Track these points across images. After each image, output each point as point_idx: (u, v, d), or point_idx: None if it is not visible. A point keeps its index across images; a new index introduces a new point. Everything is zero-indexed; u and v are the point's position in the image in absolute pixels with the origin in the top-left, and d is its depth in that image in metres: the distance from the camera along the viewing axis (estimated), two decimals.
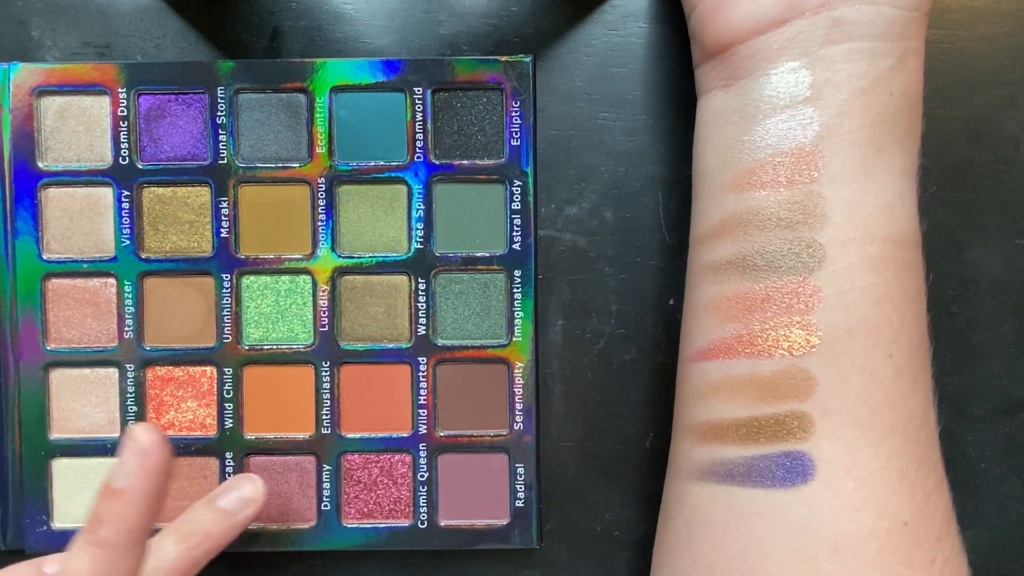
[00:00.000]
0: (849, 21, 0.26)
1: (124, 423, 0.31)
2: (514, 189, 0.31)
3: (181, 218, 0.32)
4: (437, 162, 0.31)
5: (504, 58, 0.31)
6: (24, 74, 0.31)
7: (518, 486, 0.31)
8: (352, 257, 0.31)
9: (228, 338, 0.31)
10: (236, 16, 0.32)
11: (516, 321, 0.31)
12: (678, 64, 0.32)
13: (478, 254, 0.31)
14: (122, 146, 0.31)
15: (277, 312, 0.32)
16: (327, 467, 0.31)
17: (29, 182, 0.31)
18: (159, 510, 0.27)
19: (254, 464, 0.32)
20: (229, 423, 0.32)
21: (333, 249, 0.31)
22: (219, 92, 0.31)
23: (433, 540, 0.32)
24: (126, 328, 0.31)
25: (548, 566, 0.33)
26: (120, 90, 0.31)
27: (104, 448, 0.32)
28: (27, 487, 0.31)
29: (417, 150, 0.31)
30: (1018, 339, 0.33)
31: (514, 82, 0.31)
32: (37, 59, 0.32)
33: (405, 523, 0.32)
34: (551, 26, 0.32)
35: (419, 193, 0.31)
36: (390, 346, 0.32)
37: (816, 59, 0.26)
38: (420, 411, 0.31)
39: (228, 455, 0.32)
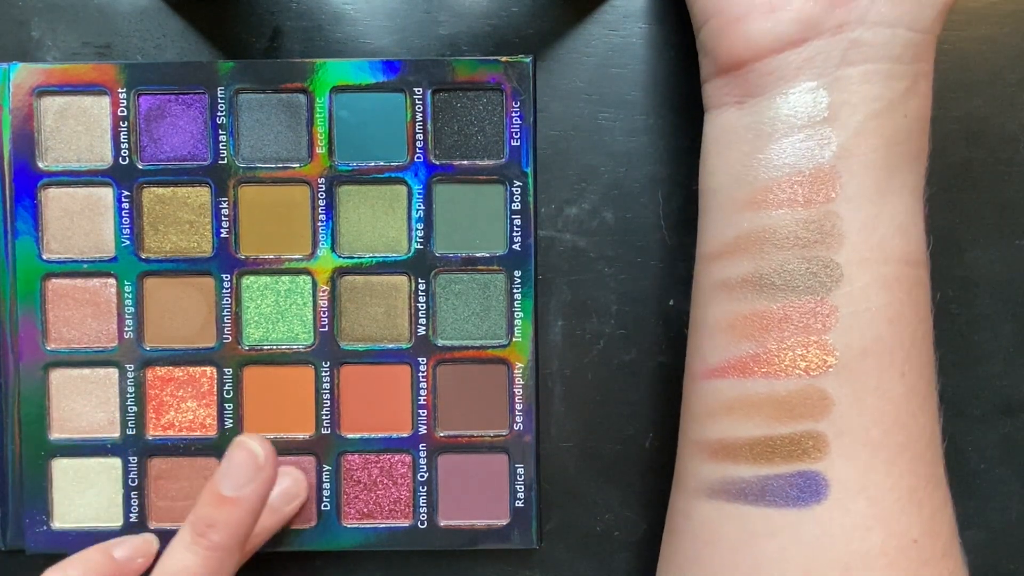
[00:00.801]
0: (866, 43, 0.25)
1: (124, 423, 0.31)
2: (514, 189, 0.31)
3: (181, 218, 0.32)
4: (437, 162, 0.31)
5: (504, 58, 0.31)
6: (24, 74, 0.31)
7: (518, 486, 0.31)
8: (352, 257, 0.31)
9: (228, 338, 0.31)
10: (236, 16, 0.32)
11: (516, 321, 0.31)
12: (678, 65, 0.32)
13: (478, 254, 0.31)
14: (122, 146, 0.31)
15: (277, 312, 0.32)
16: (327, 467, 0.31)
17: (29, 182, 0.31)
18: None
19: None
20: (229, 423, 0.32)
21: (333, 249, 0.31)
22: (219, 92, 0.31)
23: (433, 540, 0.32)
24: (126, 328, 0.31)
25: (548, 566, 0.33)
26: (120, 90, 0.31)
27: (104, 448, 0.32)
28: (27, 487, 0.31)
29: (417, 150, 0.31)
30: (1018, 339, 0.33)
31: (514, 82, 0.31)
32: (37, 59, 0.32)
33: (405, 523, 0.32)
34: (551, 26, 0.32)
35: (419, 193, 0.31)
36: (390, 346, 0.32)
37: (834, 80, 0.26)
38: (420, 411, 0.31)
39: None
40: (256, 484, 0.28)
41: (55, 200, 0.31)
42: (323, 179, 0.31)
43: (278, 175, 0.31)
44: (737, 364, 0.27)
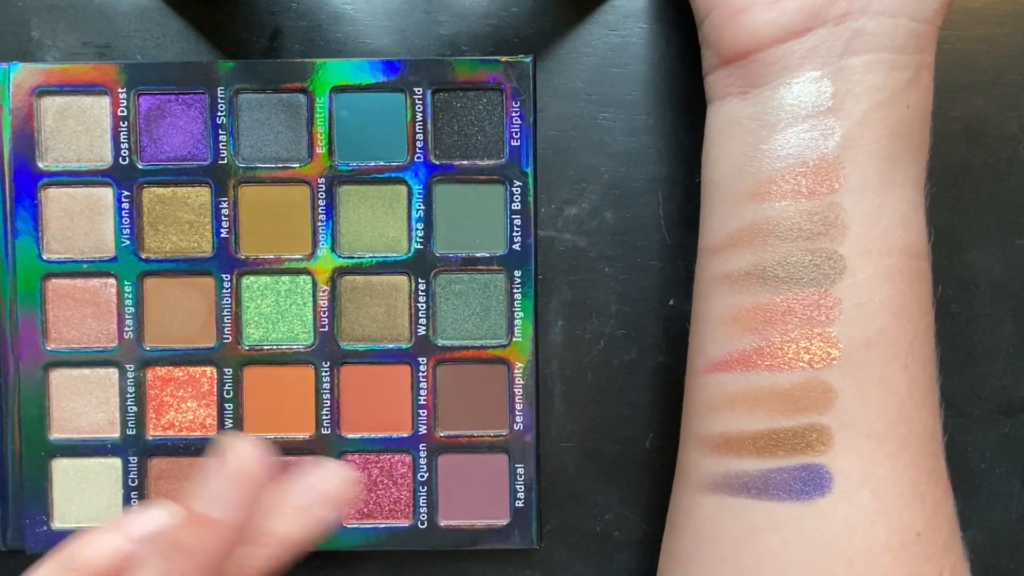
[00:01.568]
0: (869, 32, 0.25)
1: (124, 423, 0.31)
2: (514, 189, 0.31)
3: (181, 218, 0.32)
4: (437, 162, 0.31)
5: (504, 58, 0.31)
6: (24, 74, 0.31)
7: (518, 486, 0.31)
8: (352, 257, 0.31)
9: (228, 338, 0.31)
10: (236, 16, 0.32)
11: (516, 321, 0.31)
12: (678, 64, 0.32)
13: (478, 254, 0.31)
14: (122, 146, 0.31)
15: (277, 312, 0.32)
16: None
17: (29, 182, 0.31)
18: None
19: None
20: (229, 423, 0.32)
21: (333, 249, 0.31)
22: (219, 92, 0.31)
23: (433, 540, 0.32)
24: (126, 328, 0.31)
25: (548, 566, 0.33)
26: (120, 90, 0.31)
27: (104, 448, 0.32)
28: (27, 487, 0.31)
29: (417, 150, 0.31)
30: (1018, 339, 0.33)
31: (514, 82, 0.31)
32: (37, 59, 0.32)
33: (405, 523, 0.32)
34: (551, 26, 0.32)
35: (419, 193, 0.31)
36: (390, 346, 0.32)
37: (837, 69, 0.26)
38: (420, 411, 0.31)
39: None
40: (240, 501, 0.21)
41: (55, 200, 0.31)
42: (323, 179, 0.31)
43: (278, 175, 0.31)
44: (740, 357, 0.27)
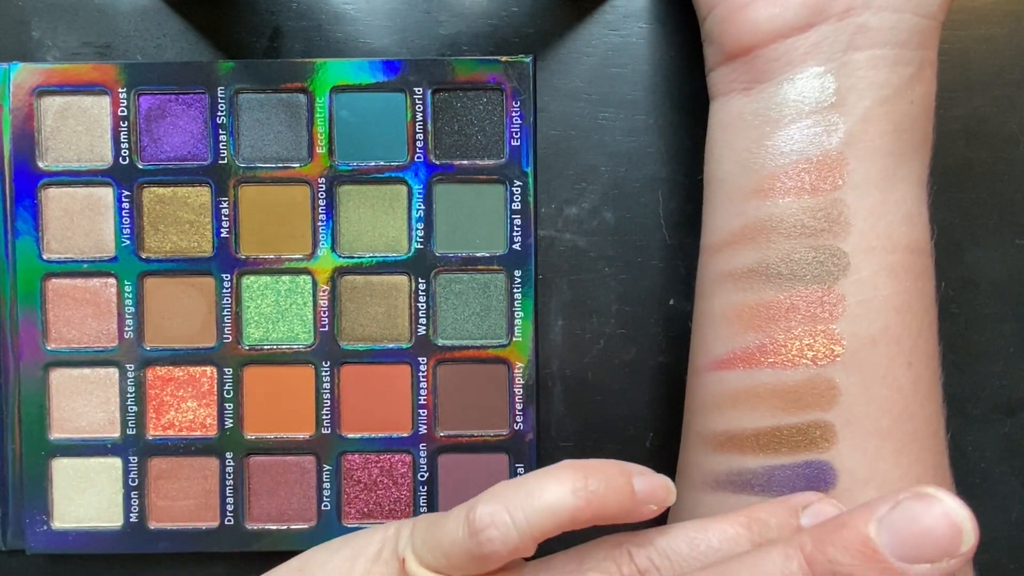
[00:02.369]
0: (873, 28, 0.26)
1: (124, 423, 0.31)
2: (514, 189, 0.31)
3: (181, 218, 0.32)
4: (437, 162, 0.31)
5: (504, 58, 0.31)
6: (24, 74, 0.31)
7: None
8: (352, 257, 0.31)
9: (228, 338, 0.31)
10: (236, 16, 0.32)
11: (516, 321, 0.31)
12: (678, 64, 0.32)
13: (478, 254, 0.31)
14: (122, 146, 0.31)
15: (277, 312, 0.32)
16: (327, 467, 0.31)
17: (29, 182, 0.31)
18: None
19: (254, 464, 0.32)
20: (229, 423, 0.32)
21: (333, 249, 0.31)
22: (219, 92, 0.31)
23: None
24: (126, 328, 0.31)
25: None
26: (120, 90, 0.31)
27: (104, 448, 0.31)
28: (27, 487, 0.31)
29: (417, 150, 0.31)
30: (1018, 339, 0.33)
31: (514, 82, 0.31)
32: (37, 59, 0.32)
33: None
34: (551, 26, 0.32)
35: (419, 193, 0.31)
36: (390, 346, 0.32)
37: (841, 65, 0.26)
38: (420, 411, 0.31)
39: (228, 455, 0.32)
40: (931, 570, 0.19)
41: (55, 200, 0.31)
42: (323, 179, 0.31)
43: (278, 175, 0.31)
44: (743, 355, 0.27)
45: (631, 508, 0.23)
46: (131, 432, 0.31)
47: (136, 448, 0.31)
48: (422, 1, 0.32)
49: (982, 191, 0.33)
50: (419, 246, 0.31)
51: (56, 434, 0.32)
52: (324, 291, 0.31)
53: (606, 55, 0.32)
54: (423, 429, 0.31)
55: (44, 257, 0.31)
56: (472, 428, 0.32)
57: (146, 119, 0.31)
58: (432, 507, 0.32)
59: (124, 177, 0.31)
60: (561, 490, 0.22)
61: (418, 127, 0.31)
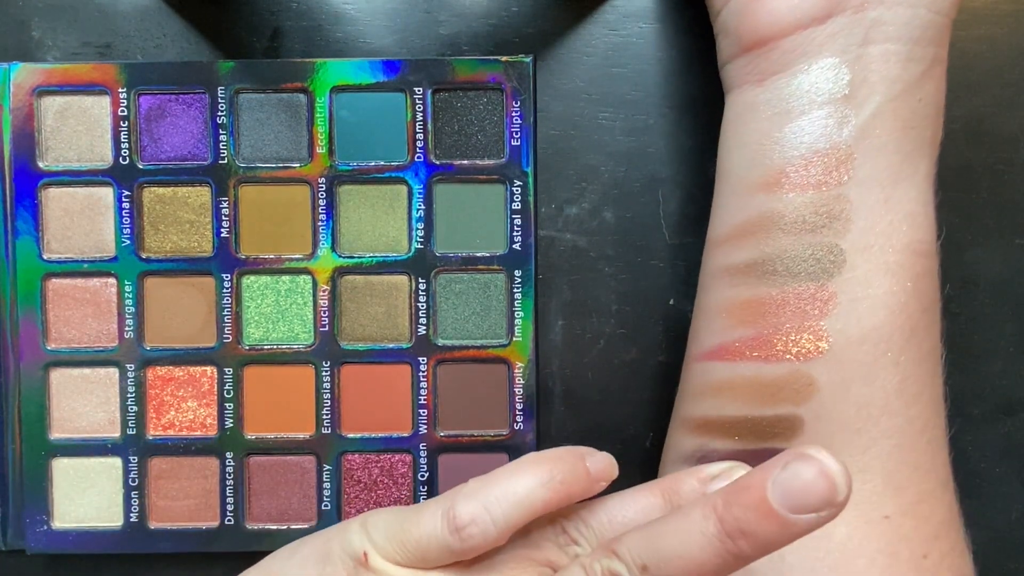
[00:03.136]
0: (887, 22, 0.26)
1: (124, 423, 0.31)
2: (514, 189, 0.31)
3: (181, 218, 0.32)
4: (437, 162, 0.31)
5: (504, 58, 0.31)
6: (24, 74, 0.31)
7: None
8: (352, 257, 0.31)
9: (228, 338, 0.31)
10: (236, 16, 0.32)
11: (516, 321, 0.31)
12: (678, 64, 0.32)
13: (478, 254, 0.31)
14: (122, 146, 0.31)
15: (277, 312, 0.32)
16: (327, 467, 0.31)
17: (29, 182, 0.31)
18: None
19: (254, 464, 0.32)
20: (229, 423, 0.32)
21: (333, 249, 0.31)
22: (219, 92, 0.31)
23: None
24: (126, 328, 0.31)
25: None
26: (120, 90, 0.31)
27: (104, 448, 0.31)
28: (27, 487, 0.31)
29: (417, 150, 0.31)
30: (1018, 339, 0.33)
31: (514, 82, 0.31)
32: (37, 59, 0.32)
33: None
34: (551, 26, 0.32)
35: (419, 193, 0.31)
36: (390, 346, 0.32)
37: (856, 58, 0.26)
38: (420, 411, 0.31)
39: (228, 455, 0.32)
40: (817, 519, 0.21)
41: (55, 200, 0.31)
42: (323, 179, 0.31)
43: (278, 175, 0.31)
44: (731, 348, 0.27)
45: (588, 488, 0.25)
46: (131, 432, 0.31)
47: (136, 448, 0.31)
48: (422, 1, 0.32)
49: (982, 191, 0.33)
50: (419, 246, 0.31)
51: (56, 434, 0.32)
52: (324, 291, 0.31)
53: (606, 55, 0.32)
54: (423, 429, 0.31)
55: (44, 257, 0.31)
56: (472, 428, 0.32)
57: (146, 119, 0.31)
58: None
59: (124, 177, 0.31)
60: (532, 483, 0.24)
61: (418, 127, 0.31)
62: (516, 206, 0.31)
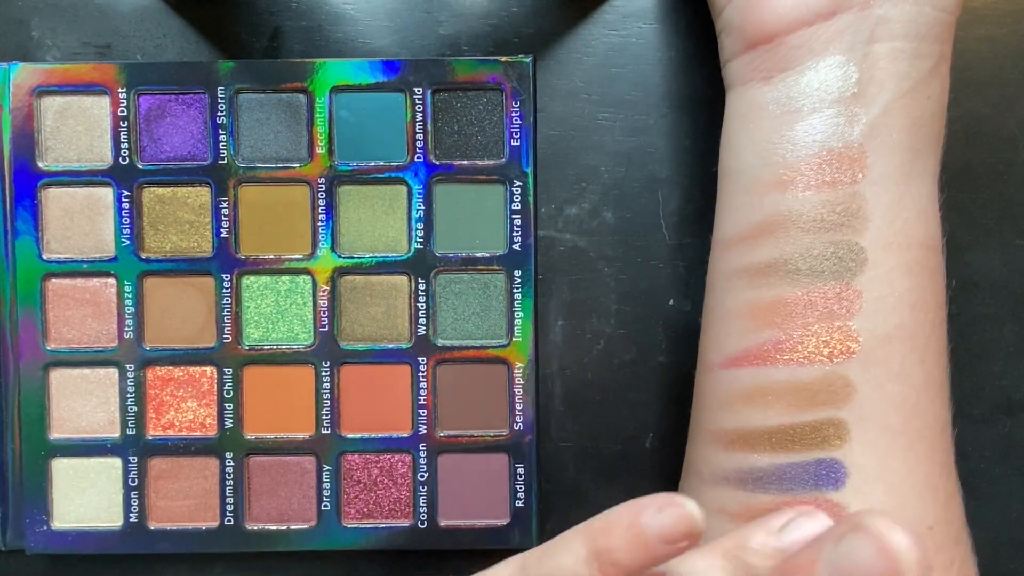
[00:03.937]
0: (893, 20, 0.25)
1: (124, 423, 0.31)
2: (514, 189, 0.31)
3: (181, 218, 0.32)
4: (437, 162, 0.31)
5: (504, 58, 0.31)
6: (24, 74, 0.31)
7: (518, 486, 0.31)
8: (352, 257, 0.31)
9: (228, 338, 0.31)
10: (236, 16, 0.32)
11: (516, 321, 0.31)
12: (678, 64, 0.32)
13: (478, 254, 0.31)
14: (122, 146, 0.31)
15: (277, 312, 0.32)
16: (327, 467, 0.31)
17: (29, 182, 0.31)
18: None
19: (254, 464, 0.32)
20: (229, 423, 0.32)
21: (333, 249, 0.31)
22: (219, 92, 0.31)
23: (433, 540, 0.32)
24: (126, 328, 0.31)
25: None
26: (120, 90, 0.31)
27: (104, 448, 0.31)
28: (27, 487, 0.31)
29: (417, 150, 0.31)
30: (1018, 339, 0.33)
31: (514, 82, 0.31)
32: (37, 59, 0.32)
33: (405, 523, 0.32)
34: (551, 26, 0.32)
35: (419, 193, 0.31)
36: (390, 346, 0.32)
37: (863, 55, 0.26)
38: (420, 411, 0.31)
39: (228, 455, 0.32)
40: None
41: (55, 200, 0.31)
42: (323, 179, 0.31)
43: (278, 175, 0.31)
44: (758, 352, 0.26)
45: (654, 556, 0.21)
46: (131, 432, 0.31)
47: (136, 448, 0.31)
48: (422, 1, 0.32)
49: (982, 191, 0.33)
50: (419, 246, 0.31)
51: (56, 434, 0.32)
52: (324, 291, 0.31)
53: (606, 55, 0.32)
54: (423, 429, 0.31)
55: (44, 257, 0.31)
56: (472, 428, 0.32)
57: (146, 119, 0.31)
58: (432, 507, 0.32)
59: (124, 177, 0.31)
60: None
61: (418, 127, 0.31)
62: (516, 206, 0.31)
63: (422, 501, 0.31)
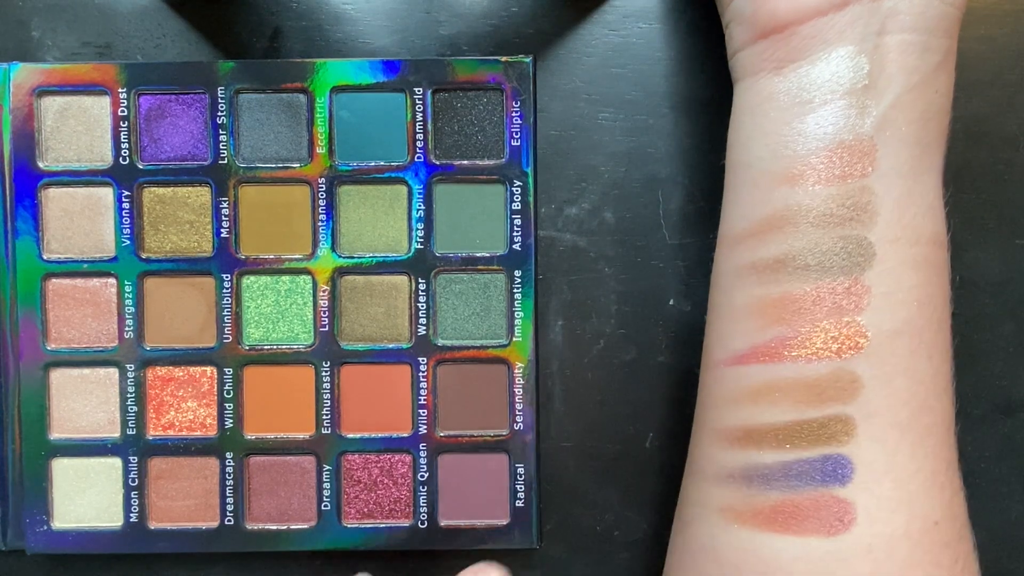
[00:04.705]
0: (903, 12, 0.25)
1: (124, 423, 0.31)
2: (514, 189, 0.31)
3: (181, 218, 0.32)
4: (437, 162, 0.31)
5: (504, 58, 0.31)
6: (24, 74, 0.31)
7: (518, 486, 0.31)
8: (352, 257, 0.31)
9: (228, 338, 0.31)
10: (236, 16, 0.32)
11: (516, 321, 0.31)
12: (678, 64, 0.32)
13: (478, 254, 0.31)
14: (122, 146, 0.31)
15: (277, 312, 0.32)
16: (327, 467, 0.32)
17: (29, 182, 0.31)
18: None
19: (254, 464, 0.32)
20: (229, 423, 0.32)
21: (333, 249, 0.31)
22: (219, 92, 0.31)
23: (433, 540, 0.32)
24: (126, 328, 0.31)
25: (548, 566, 0.33)
26: (120, 90, 0.31)
27: (104, 448, 0.31)
28: (27, 487, 0.31)
29: (417, 150, 0.31)
30: (1018, 339, 0.33)
31: (514, 82, 0.31)
32: (37, 59, 0.32)
33: (405, 523, 0.32)
34: (551, 26, 0.32)
35: (419, 193, 0.31)
36: (390, 346, 0.32)
37: (873, 47, 0.26)
38: (420, 411, 0.31)
39: (228, 455, 0.32)
40: None
41: (55, 200, 0.31)
42: (323, 179, 0.31)
43: (278, 175, 0.31)
44: (765, 349, 0.26)
45: None
46: (131, 432, 0.32)
47: (136, 448, 0.31)
48: (422, 1, 0.32)
49: (982, 191, 0.33)
50: (419, 246, 0.31)
51: (56, 434, 0.32)
52: (324, 291, 0.31)
53: (606, 55, 0.32)
54: (423, 429, 0.31)
55: (44, 257, 0.31)
56: (472, 428, 0.32)
57: (146, 119, 0.31)
58: (432, 507, 0.32)
59: (124, 177, 0.31)
60: None
61: (418, 127, 0.31)
62: (516, 206, 0.31)
63: (422, 501, 0.32)
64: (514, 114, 0.31)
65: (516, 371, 0.31)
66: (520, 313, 0.31)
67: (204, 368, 0.32)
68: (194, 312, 0.32)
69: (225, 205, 0.31)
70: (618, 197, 0.32)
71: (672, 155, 0.32)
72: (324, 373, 0.31)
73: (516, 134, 0.31)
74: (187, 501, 0.32)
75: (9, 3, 0.32)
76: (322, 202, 0.31)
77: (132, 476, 0.31)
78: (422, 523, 0.32)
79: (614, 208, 0.32)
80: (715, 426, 0.28)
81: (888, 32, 0.26)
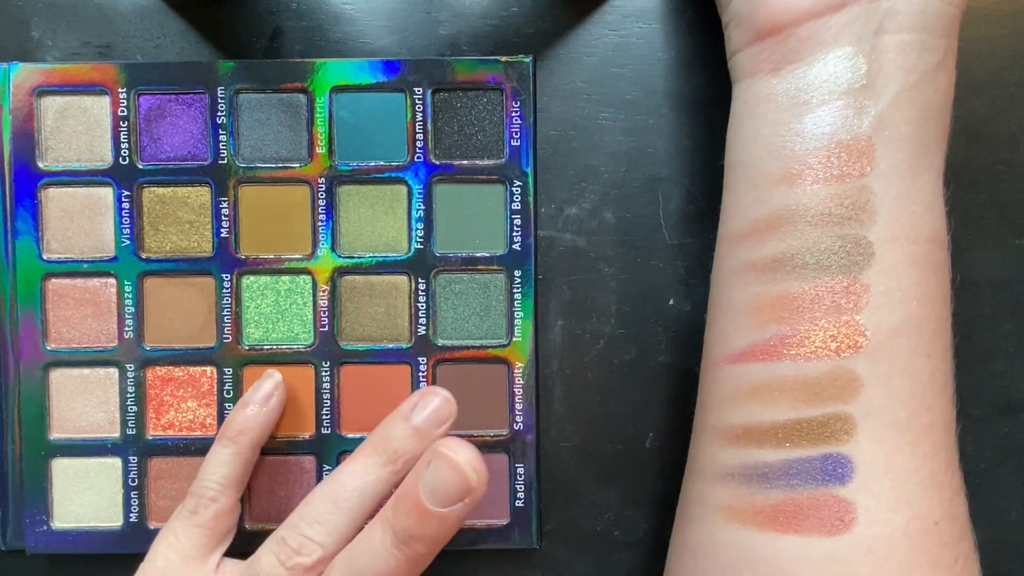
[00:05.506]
0: (901, 12, 0.26)
1: (124, 423, 0.31)
2: (514, 189, 0.31)
3: (181, 218, 0.32)
4: (437, 162, 0.31)
5: (504, 58, 0.31)
6: (24, 74, 0.31)
7: (518, 486, 0.31)
8: (352, 257, 0.31)
9: (228, 338, 0.31)
10: (236, 16, 0.32)
11: (516, 321, 0.31)
12: (678, 64, 0.32)
13: (478, 254, 0.31)
14: (122, 146, 0.31)
15: (277, 312, 0.32)
16: (327, 467, 0.31)
17: (29, 182, 0.31)
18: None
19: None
20: None
21: (333, 249, 0.31)
22: (219, 92, 0.31)
23: None
24: (126, 328, 0.31)
25: (548, 566, 0.33)
26: (120, 90, 0.31)
27: (104, 448, 0.31)
28: (27, 487, 0.31)
29: (417, 150, 0.31)
30: (1018, 339, 0.33)
31: (514, 82, 0.31)
32: (37, 59, 0.32)
33: None
34: (551, 26, 0.32)
35: (419, 193, 0.31)
36: (390, 346, 0.32)
37: (871, 47, 0.26)
38: None
39: None
40: (464, 507, 0.26)
41: (55, 200, 0.31)
42: (323, 179, 0.31)
43: (278, 175, 0.31)
44: (764, 348, 0.26)
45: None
46: (131, 432, 0.32)
47: (136, 448, 0.31)
48: (422, 1, 0.32)
49: (982, 191, 0.33)
50: (419, 246, 0.31)
51: (56, 434, 0.32)
52: (324, 291, 0.31)
53: (606, 55, 0.32)
54: None
55: (44, 257, 0.31)
56: (472, 428, 0.32)
57: (146, 119, 0.31)
58: None
59: (124, 177, 0.31)
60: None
61: (418, 127, 0.31)
62: (516, 206, 0.31)
63: None
64: (514, 114, 0.31)
65: (516, 371, 0.31)
66: (520, 313, 0.31)
67: (204, 368, 0.32)
68: (194, 312, 0.32)
69: (225, 205, 0.31)
70: (618, 197, 0.32)
71: (672, 155, 0.32)
72: (324, 373, 0.31)
73: (516, 134, 0.31)
74: None
75: (9, 3, 0.32)
76: (322, 202, 0.31)
77: (132, 476, 0.31)
78: None
79: (614, 208, 0.32)
80: (715, 425, 0.28)
81: (886, 32, 0.26)
